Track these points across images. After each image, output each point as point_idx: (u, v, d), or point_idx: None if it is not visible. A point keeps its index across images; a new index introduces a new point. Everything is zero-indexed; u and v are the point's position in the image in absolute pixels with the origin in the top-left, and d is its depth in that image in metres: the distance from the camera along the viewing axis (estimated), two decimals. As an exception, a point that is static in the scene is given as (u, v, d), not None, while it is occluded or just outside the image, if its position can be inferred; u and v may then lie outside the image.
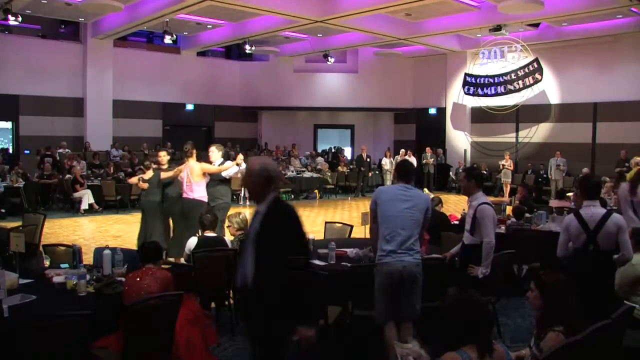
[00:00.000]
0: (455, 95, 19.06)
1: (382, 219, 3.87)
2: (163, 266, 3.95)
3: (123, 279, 3.97)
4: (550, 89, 16.99)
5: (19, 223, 7.50)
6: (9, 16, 12.63)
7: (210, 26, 16.86)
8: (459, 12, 14.50)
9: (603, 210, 3.92)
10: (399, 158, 17.32)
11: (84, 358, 3.12)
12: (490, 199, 16.73)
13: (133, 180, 7.42)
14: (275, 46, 18.80)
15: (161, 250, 4.09)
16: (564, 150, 15.74)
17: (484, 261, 4.21)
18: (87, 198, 12.28)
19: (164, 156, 6.97)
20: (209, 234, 5.15)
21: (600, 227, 3.82)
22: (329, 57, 18.03)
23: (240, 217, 5.51)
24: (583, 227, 3.85)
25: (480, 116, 18.42)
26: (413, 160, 17.53)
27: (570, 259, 3.97)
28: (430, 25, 15.51)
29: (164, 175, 6.84)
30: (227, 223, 5.47)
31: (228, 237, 5.45)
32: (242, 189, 14.60)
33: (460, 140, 19.08)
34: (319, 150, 21.19)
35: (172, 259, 6.11)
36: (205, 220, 5.20)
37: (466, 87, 18.16)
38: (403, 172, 4.05)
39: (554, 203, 9.00)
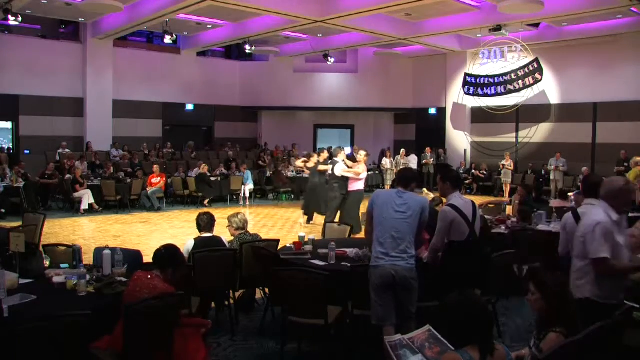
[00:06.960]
0: (455, 95, 19.05)
1: (376, 222, 3.98)
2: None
3: (123, 279, 3.97)
4: (550, 89, 17.00)
5: (19, 223, 7.51)
6: (9, 16, 12.63)
7: (210, 26, 16.87)
8: (459, 12, 14.51)
9: None
10: (399, 158, 17.32)
11: (84, 358, 3.12)
12: (490, 199, 16.40)
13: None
14: (275, 46, 18.80)
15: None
16: (564, 150, 15.75)
17: (428, 254, 4.25)
18: (87, 198, 12.27)
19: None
20: (205, 234, 5.14)
21: None
22: (329, 57, 18.03)
23: (239, 217, 5.49)
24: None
25: (480, 116, 18.42)
26: (413, 159, 17.54)
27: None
28: (430, 25, 15.51)
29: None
30: (227, 223, 5.46)
31: (227, 237, 5.44)
32: (242, 188, 14.60)
33: (460, 140, 19.08)
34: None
35: None
36: (201, 221, 5.18)
37: (466, 87, 18.15)
38: (401, 179, 4.23)
39: (554, 203, 8.99)
